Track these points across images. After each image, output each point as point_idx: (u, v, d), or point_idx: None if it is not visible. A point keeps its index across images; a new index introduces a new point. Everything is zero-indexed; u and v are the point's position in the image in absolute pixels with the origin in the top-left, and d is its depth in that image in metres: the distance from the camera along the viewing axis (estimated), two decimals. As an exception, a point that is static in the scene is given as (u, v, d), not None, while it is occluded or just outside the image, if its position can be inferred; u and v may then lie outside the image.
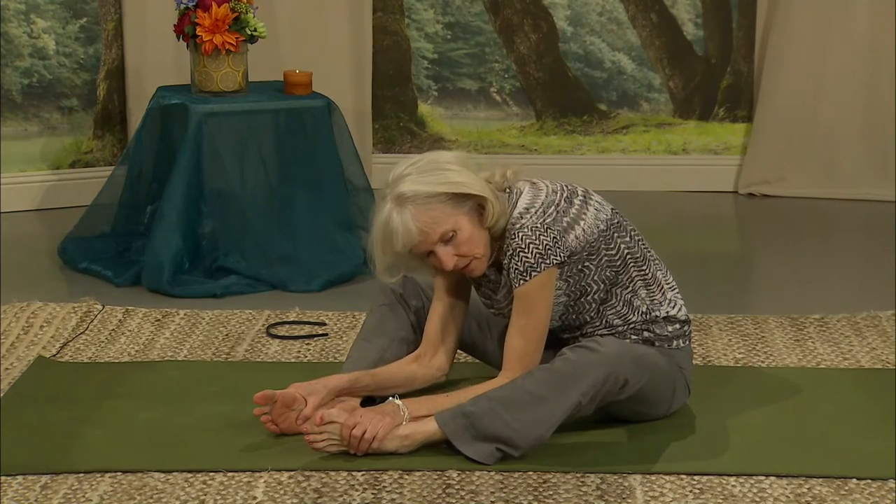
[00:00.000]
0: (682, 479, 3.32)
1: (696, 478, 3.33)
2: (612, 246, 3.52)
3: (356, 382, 3.57)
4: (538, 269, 3.42)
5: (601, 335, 3.53)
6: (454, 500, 3.22)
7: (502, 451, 3.36)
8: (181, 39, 4.95)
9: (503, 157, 6.06)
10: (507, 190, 3.48)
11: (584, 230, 3.47)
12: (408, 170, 3.41)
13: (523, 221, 3.43)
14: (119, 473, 3.33)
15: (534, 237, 3.41)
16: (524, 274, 3.42)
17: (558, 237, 3.43)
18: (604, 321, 3.56)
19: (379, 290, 3.78)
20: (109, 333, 4.32)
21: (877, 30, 5.97)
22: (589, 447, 3.47)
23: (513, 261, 3.43)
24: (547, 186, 3.50)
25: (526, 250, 3.41)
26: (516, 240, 3.42)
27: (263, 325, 4.40)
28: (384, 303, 3.76)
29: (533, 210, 3.44)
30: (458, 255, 3.43)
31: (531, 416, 3.34)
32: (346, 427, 3.37)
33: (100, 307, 4.51)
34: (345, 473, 3.33)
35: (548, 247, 3.42)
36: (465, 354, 3.98)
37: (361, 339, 3.74)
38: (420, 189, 3.38)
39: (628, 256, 3.55)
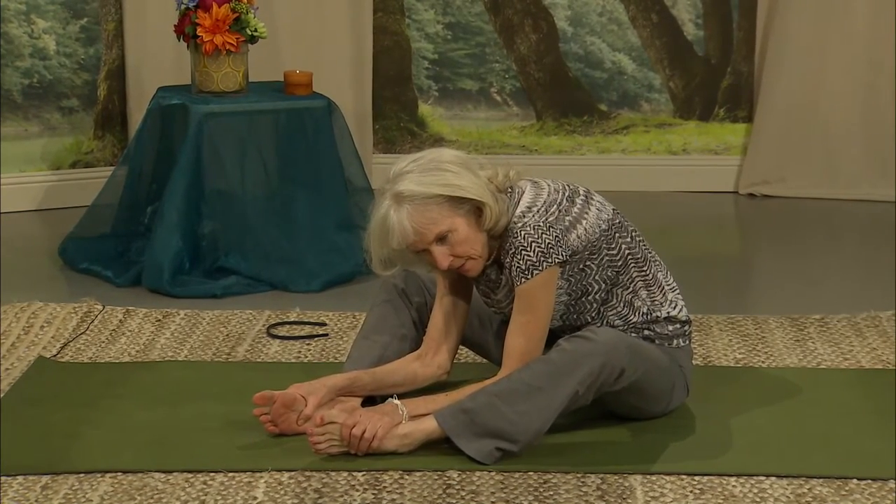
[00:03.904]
0: (682, 480, 3.32)
1: (696, 478, 3.33)
2: (613, 246, 3.52)
3: (356, 381, 3.57)
4: (540, 268, 3.42)
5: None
6: (454, 501, 3.22)
7: (502, 449, 3.36)
8: (181, 40, 4.95)
9: (503, 157, 6.06)
10: (509, 189, 3.48)
11: (585, 230, 3.47)
12: (409, 167, 3.42)
13: (525, 220, 3.43)
14: (119, 474, 3.33)
15: (536, 236, 3.41)
16: (526, 272, 3.42)
17: (560, 236, 3.43)
18: (604, 322, 3.55)
19: (380, 285, 3.77)
20: (110, 334, 4.32)
21: (876, 30, 5.97)
22: (589, 447, 3.47)
23: (514, 259, 3.43)
24: (549, 186, 3.51)
25: (528, 249, 3.41)
26: (518, 238, 3.42)
27: (264, 325, 4.40)
28: (386, 299, 3.76)
29: (535, 209, 3.44)
30: (453, 255, 3.43)
31: (529, 408, 3.35)
32: (345, 427, 3.37)
33: (100, 307, 4.51)
34: (345, 474, 3.33)
35: (549, 245, 3.42)
36: (465, 355, 3.99)
37: (362, 336, 3.74)
38: (418, 189, 3.38)
39: (629, 257, 3.55)
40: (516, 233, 3.43)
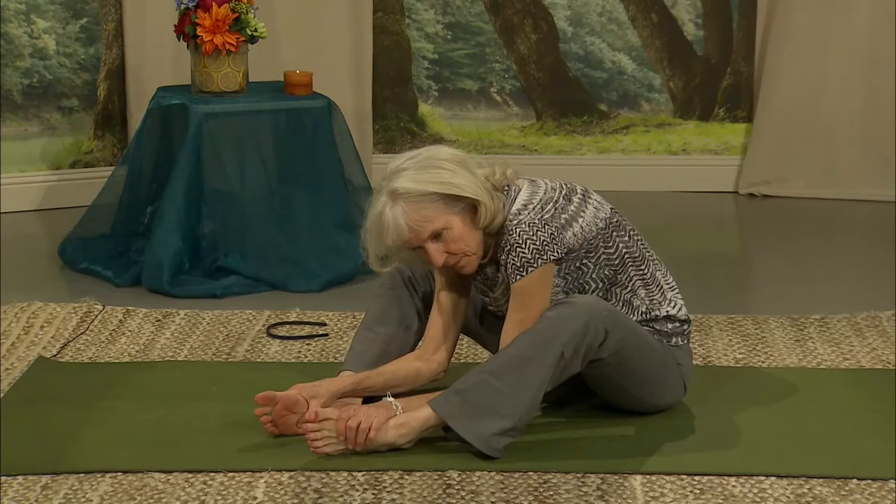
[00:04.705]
0: (682, 480, 3.32)
1: (696, 478, 3.33)
2: (610, 245, 3.52)
3: (360, 384, 3.57)
4: (535, 265, 3.42)
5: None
6: (454, 501, 3.22)
7: (500, 434, 3.35)
8: (181, 40, 4.96)
9: (503, 157, 6.06)
10: (506, 187, 3.49)
11: (582, 228, 3.47)
12: (405, 164, 3.42)
13: (521, 217, 3.43)
14: (119, 474, 3.33)
15: (531, 233, 3.42)
16: (521, 269, 3.42)
17: (556, 233, 3.43)
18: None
19: (386, 272, 3.74)
20: (110, 334, 4.32)
21: (876, 30, 5.97)
22: (589, 447, 3.47)
23: (510, 256, 3.43)
24: (546, 184, 3.51)
25: (523, 246, 3.41)
26: (514, 235, 3.42)
27: (264, 325, 4.40)
28: (391, 286, 3.74)
29: (531, 206, 3.44)
30: (448, 252, 3.43)
31: (519, 378, 3.34)
32: (340, 421, 3.37)
33: (100, 307, 4.51)
34: (345, 474, 3.33)
35: (545, 243, 3.42)
36: (465, 356, 3.99)
37: (365, 327, 3.73)
38: (413, 187, 3.38)
39: (626, 256, 3.55)
40: (512, 230, 3.43)
